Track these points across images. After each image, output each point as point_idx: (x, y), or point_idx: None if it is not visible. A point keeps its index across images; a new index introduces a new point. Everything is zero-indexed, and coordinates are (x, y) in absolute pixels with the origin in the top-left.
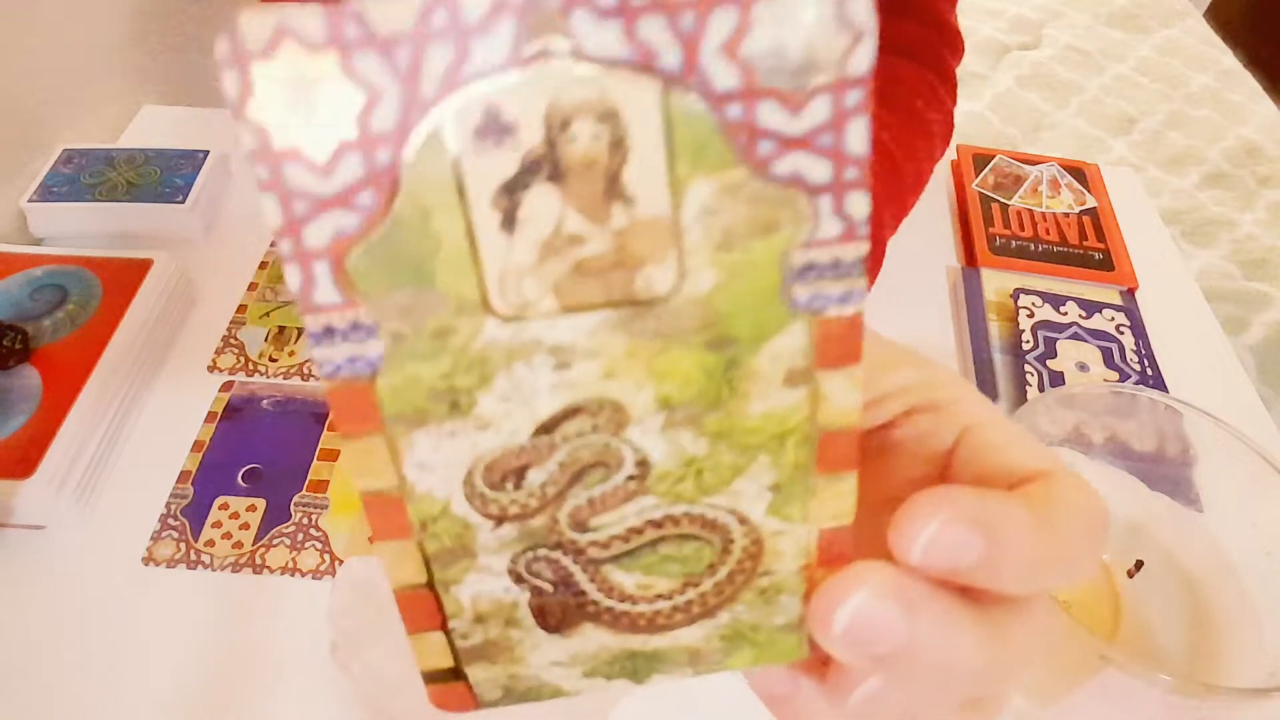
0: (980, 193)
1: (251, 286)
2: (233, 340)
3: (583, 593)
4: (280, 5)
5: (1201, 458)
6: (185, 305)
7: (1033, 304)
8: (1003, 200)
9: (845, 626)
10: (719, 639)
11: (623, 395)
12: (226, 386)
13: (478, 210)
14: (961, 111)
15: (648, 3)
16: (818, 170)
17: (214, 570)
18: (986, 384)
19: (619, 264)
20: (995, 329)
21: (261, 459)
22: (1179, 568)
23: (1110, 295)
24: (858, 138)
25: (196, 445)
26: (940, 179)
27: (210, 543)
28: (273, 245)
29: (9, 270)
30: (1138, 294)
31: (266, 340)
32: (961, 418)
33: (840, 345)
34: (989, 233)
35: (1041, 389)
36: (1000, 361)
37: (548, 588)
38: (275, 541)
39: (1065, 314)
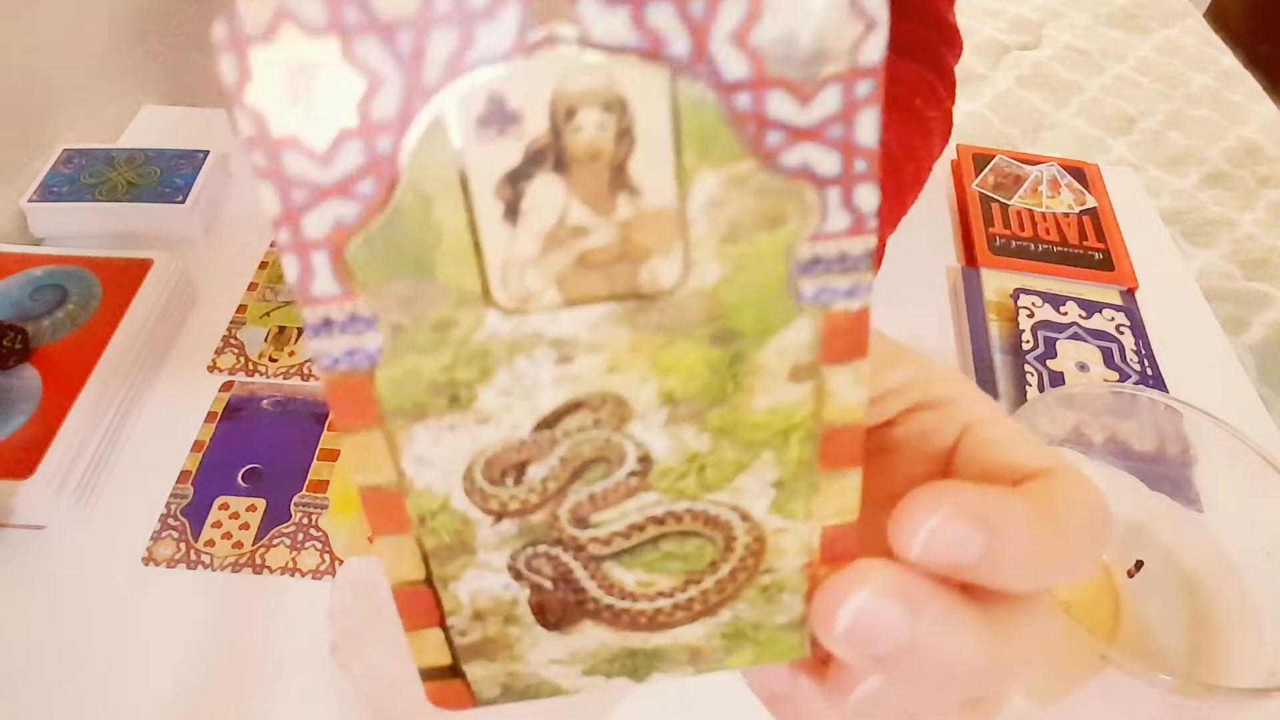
0: (980, 193)
1: (251, 286)
2: (233, 340)
3: (583, 590)
4: None
5: (1201, 458)
6: (185, 305)
7: (1033, 304)
8: (1003, 200)
9: (847, 625)
10: (720, 637)
11: (625, 390)
12: (226, 386)
13: (480, 200)
14: (961, 111)
15: None
16: (827, 162)
17: (214, 570)
18: (986, 384)
19: (623, 256)
20: (995, 329)
21: (261, 459)
22: (1179, 568)
23: (1110, 295)
24: (868, 129)
25: (196, 445)
26: (940, 179)
27: (210, 543)
28: (273, 245)
29: (9, 270)
30: (1138, 294)
31: (266, 340)
32: (963, 415)
33: (846, 340)
34: (989, 233)
35: (1041, 389)
36: (1000, 361)
37: (547, 585)
38: (275, 541)
39: (1065, 314)
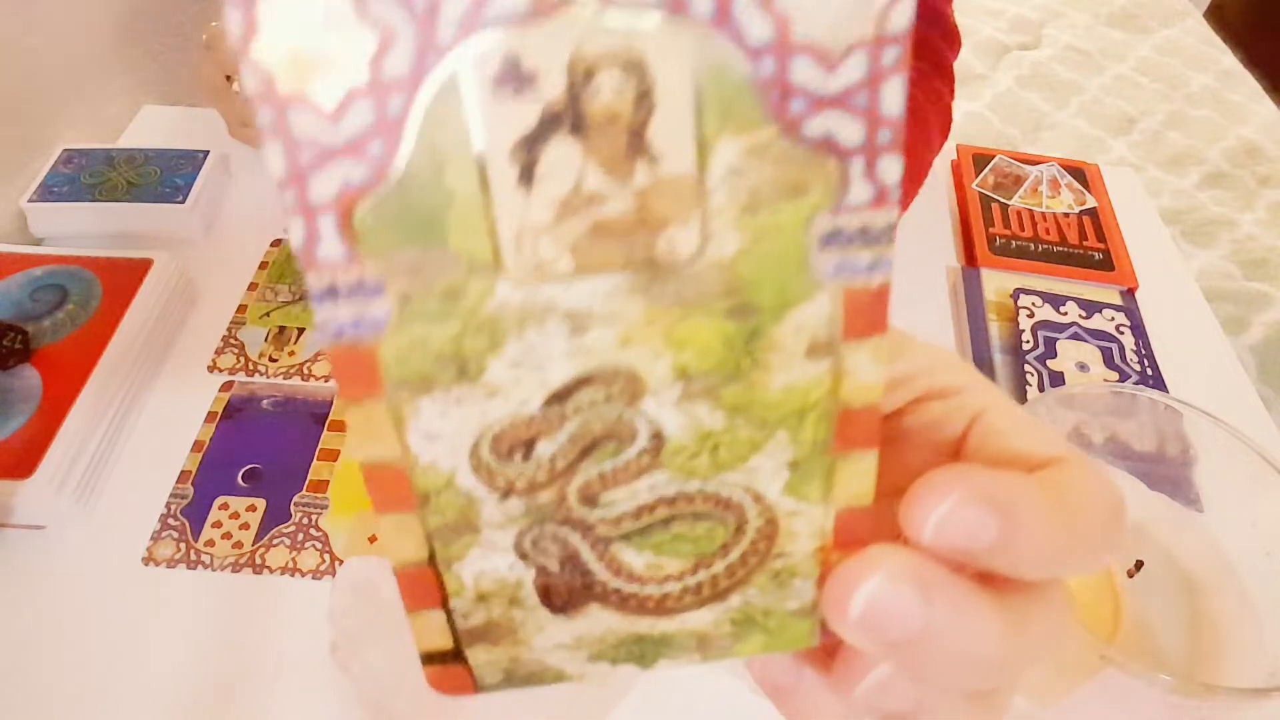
0: (980, 193)
1: (251, 286)
2: (233, 340)
3: (590, 572)
4: None
5: (1201, 458)
6: (185, 305)
7: (1033, 304)
8: (1003, 200)
9: (860, 611)
10: (729, 623)
11: (639, 364)
12: (226, 386)
13: (494, 165)
14: (961, 111)
15: None
16: (850, 131)
17: (214, 570)
18: None
19: (640, 225)
20: (995, 329)
21: (261, 459)
22: (1179, 568)
23: (1110, 295)
24: (893, 98)
25: (196, 445)
26: (940, 179)
27: (210, 543)
28: (273, 245)
29: (9, 270)
30: (1138, 294)
31: (266, 340)
32: (971, 404)
33: (866, 316)
34: (989, 233)
35: (1041, 389)
36: (1000, 361)
37: (554, 566)
38: (275, 541)
39: (1065, 314)
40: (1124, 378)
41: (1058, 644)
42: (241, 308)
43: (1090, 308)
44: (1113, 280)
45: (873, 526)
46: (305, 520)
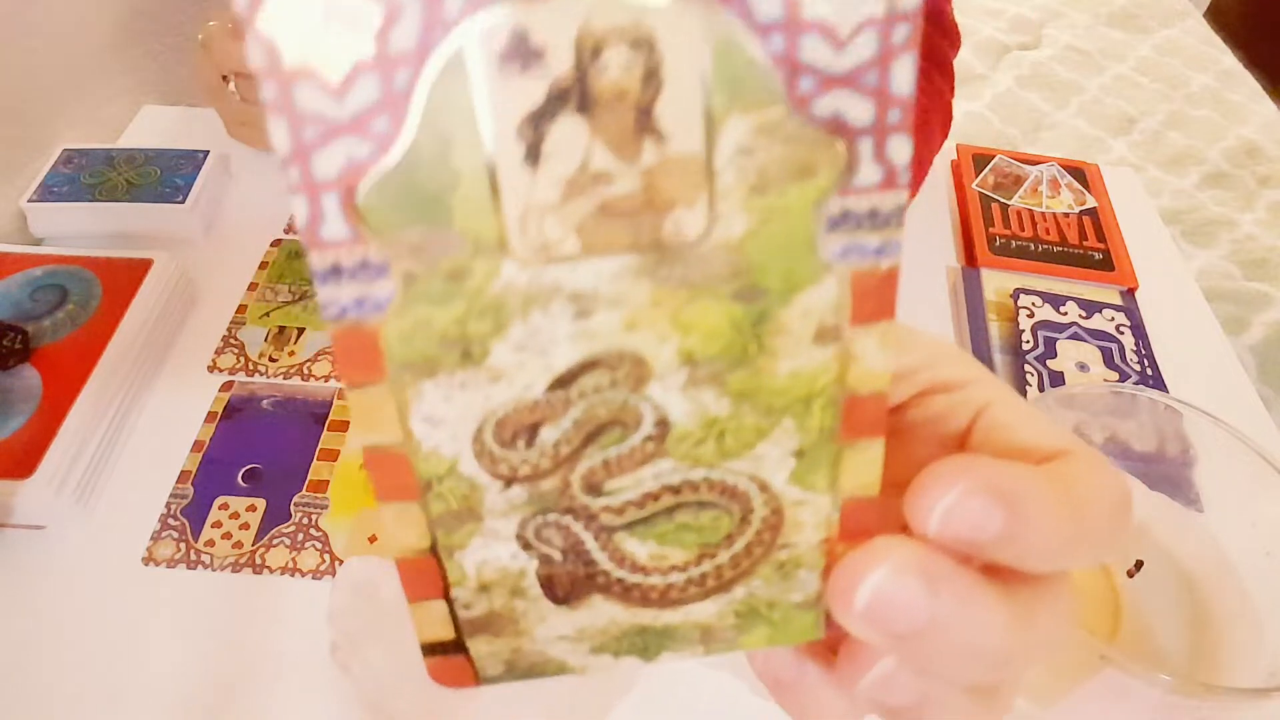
0: (980, 193)
1: (251, 286)
2: (233, 340)
3: (593, 562)
4: None
5: (1201, 458)
6: (185, 305)
7: (1033, 304)
8: (1003, 200)
9: (866, 603)
10: (733, 615)
11: (644, 348)
12: (226, 386)
13: (500, 142)
14: (961, 111)
15: None
16: (860, 110)
17: (214, 570)
18: None
19: (647, 205)
20: (995, 329)
21: (261, 459)
22: (1179, 568)
23: (1110, 295)
24: (903, 77)
25: (196, 445)
26: (940, 179)
27: (210, 543)
28: (273, 245)
29: (9, 270)
30: (1138, 294)
31: (266, 340)
32: (976, 398)
33: (874, 301)
34: (989, 233)
35: (1041, 389)
36: (1000, 361)
37: (557, 556)
38: (275, 541)
39: (1065, 314)
40: (1124, 378)
41: (1062, 639)
42: (241, 308)
43: (1090, 308)
44: (1113, 280)
45: (879, 517)
46: (305, 520)
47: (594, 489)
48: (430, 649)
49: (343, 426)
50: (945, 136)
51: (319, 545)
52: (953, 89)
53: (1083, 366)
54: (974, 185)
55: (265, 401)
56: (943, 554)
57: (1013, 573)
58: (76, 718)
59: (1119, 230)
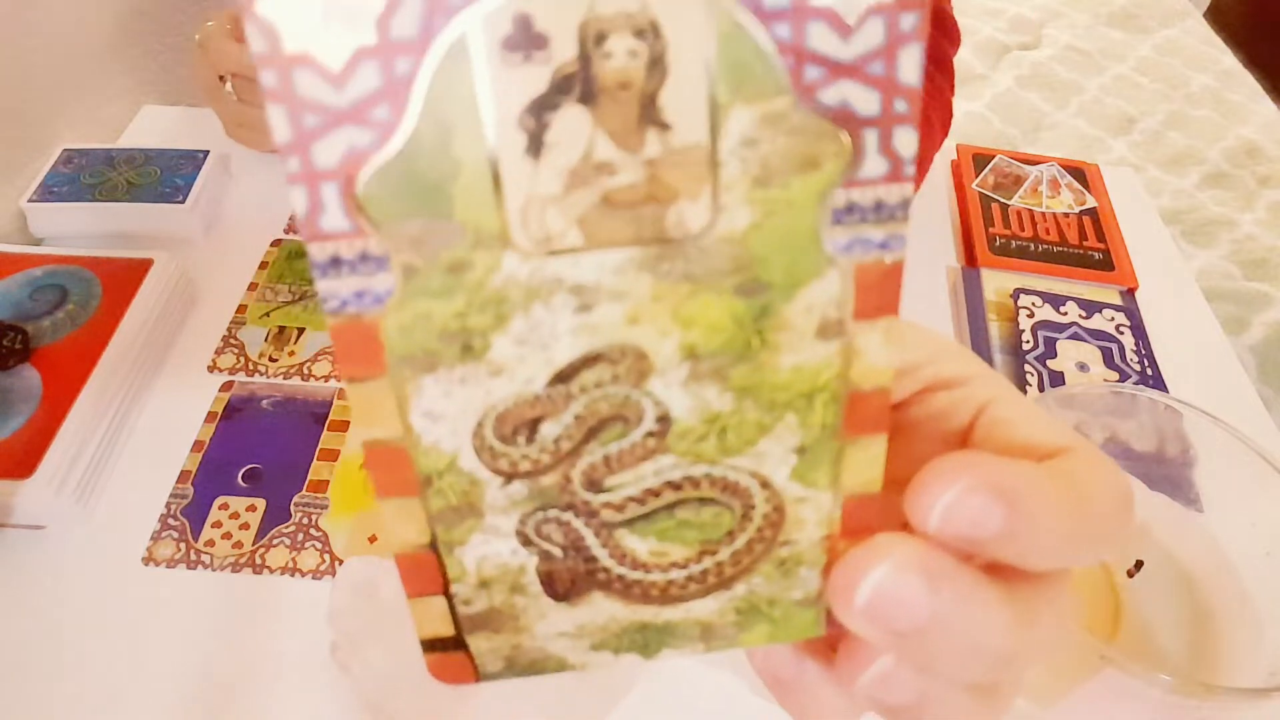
0: (980, 193)
1: (251, 286)
2: (233, 340)
3: (594, 558)
4: None
5: (1201, 458)
6: (185, 305)
7: (1033, 304)
8: (1003, 200)
9: (867, 600)
10: (734, 612)
11: (646, 342)
12: (226, 386)
13: (502, 132)
14: (961, 111)
15: None
16: (866, 101)
17: (214, 570)
18: None
19: (650, 197)
20: (995, 329)
21: (261, 459)
22: (1179, 568)
23: (1110, 295)
24: (910, 67)
25: (196, 445)
26: (940, 179)
27: (210, 543)
28: (273, 245)
29: (9, 270)
30: (1138, 294)
31: (266, 340)
32: (978, 394)
33: (878, 296)
34: (989, 233)
35: (1041, 389)
36: (1000, 361)
37: (557, 552)
38: (275, 541)
39: (1065, 314)
40: (1124, 378)
41: (1063, 637)
42: (241, 308)
43: (1090, 308)
44: (1113, 280)
45: (881, 515)
46: (305, 520)
47: (595, 485)
48: (430, 645)
49: (343, 426)
50: (945, 135)
51: (319, 545)
52: (953, 87)
53: (1083, 366)
54: (974, 185)
55: (265, 401)
56: (944, 552)
57: (1014, 571)
58: (76, 718)
59: (1119, 230)
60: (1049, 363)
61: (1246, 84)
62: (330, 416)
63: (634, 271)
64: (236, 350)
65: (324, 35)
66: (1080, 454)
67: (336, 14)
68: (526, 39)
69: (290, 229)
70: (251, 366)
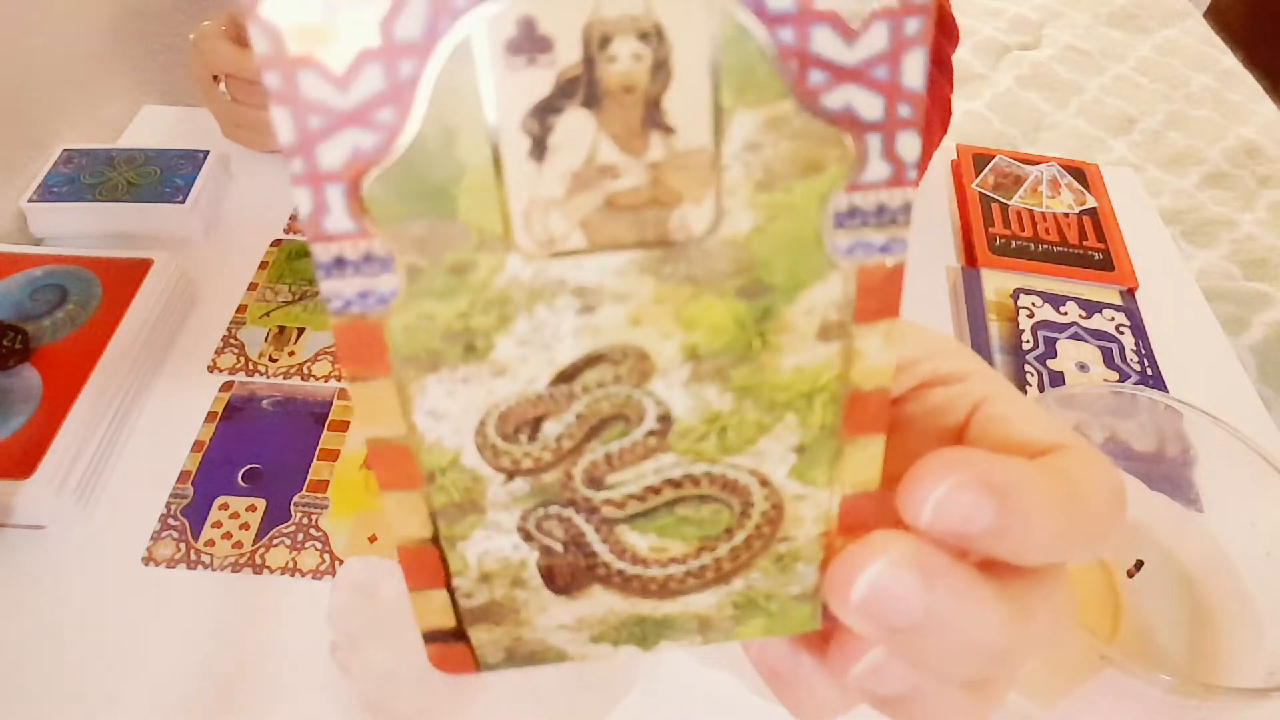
0: (980, 193)
1: (251, 286)
2: (233, 340)
3: (594, 554)
4: None
5: (1201, 458)
6: (185, 305)
7: (1033, 304)
8: (1003, 200)
9: (862, 596)
10: (731, 607)
11: (648, 343)
12: (226, 386)
13: (506, 134)
14: (961, 111)
15: None
16: (870, 105)
17: (214, 570)
18: None
19: (653, 200)
20: (995, 329)
21: (261, 459)
22: (1179, 568)
23: (1110, 295)
24: (914, 72)
25: (196, 445)
26: (940, 179)
27: (210, 543)
28: (273, 245)
29: (9, 270)
30: (1138, 294)
31: (266, 340)
32: (974, 391)
33: (879, 298)
34: (989, 233)
35: (1041, 389)
36: (1000, 361)
37: (558, 547)
38: (275, 541)
39: (1065, 314)
40: (1124, 378)
41: (1057, 635)
42: (241, 308)
43: (1090, 308)
44: (1113, 280)
45: (878, 513)
46: (305, 520)
47: (596, 482)
48: (431, 637)
49: (343, 426)
50: (944, 133)
51: (319, 545)
52: (952, 85)
53: (1083, 366)
54: (974, 185)
55: (265, 401)
56: (940, 549)
57: (1008, 567)
58: (76, 718)
59: (1119, 230)
60: (1049, 363)
61: (1246, 84)
62: (330, 416)
63: (637, 274)
64: (236, 350)
65: (328, 38)
66: (1073, 451)
67: (340, 16)
68: (531, 42)
69: (290, 229)
70: (251, 366)
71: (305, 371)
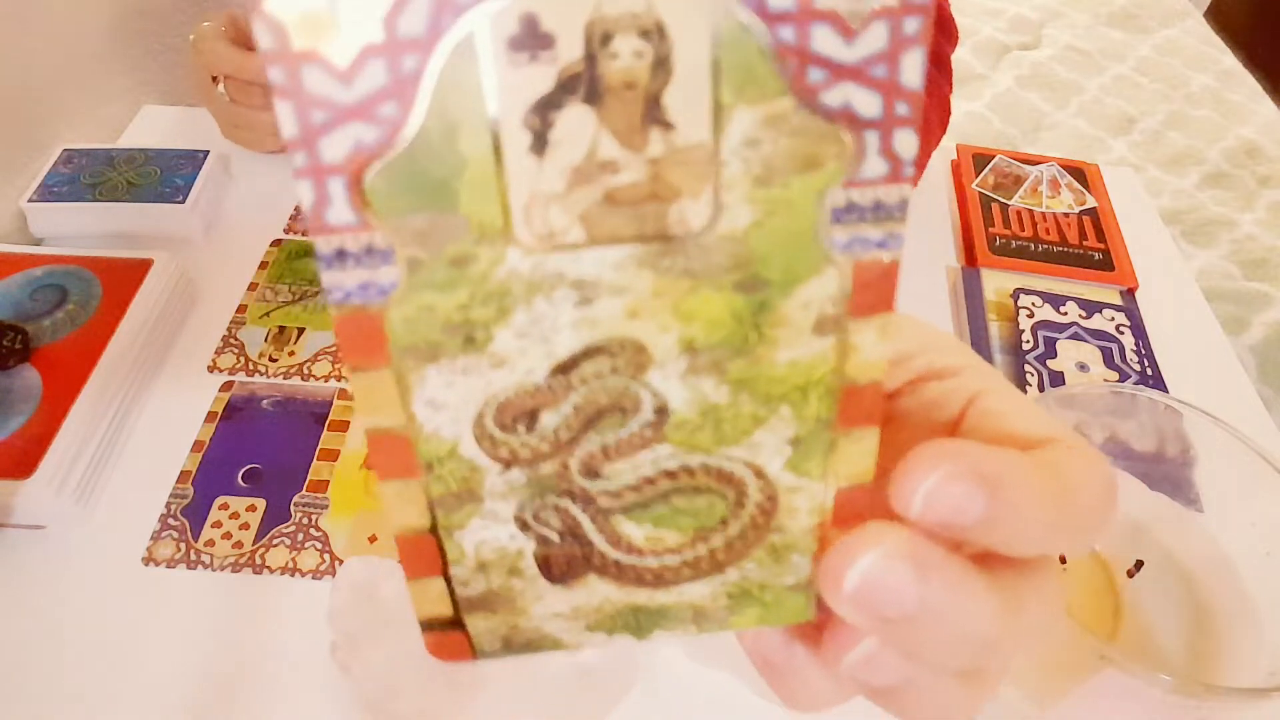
0: (980, 193)
1: (251, 286)
2: (233, 340)
3: (590, 543)
4: None
5: (1201, 458)
6: (185, 305)
7: (1033, 304)
8: (1003, 200)
9: (856, 586)
10: (725, 597)
11: (646, 336)
12: (226, 386)
13: (507, 129)
14: (961, 111)
15: None
16: (868, 103)
17: (214, 570)
18: None
19: (652, 195)
20: (995, 329)
21: (261, 459)
22: (1179, 568)
23: (1110, 295)
24: (913, 70)
25: (196, 445)
26: (940, 179)
27: (210, 543)
28: (273, 245)
29: (9, 270)
30: (1138, 294)
31: (266, 340)
32: (969, 386)
33: (875, 293)
34: (989, 233)
35: (1041, 389)
36: (1000, 361)
37: (554, 537)
38: (275, 541)
39: (1065, 314)
40: (1124, 378)
41: (1049, 626)
42: (241, 308)
43: (1090, 308)
44: (1113, 280)
45: (872, 504)
46: (305, 520)
47: (592, 473)
48: (428, 625)
49: (343, 426)
50: (943, 133)
51: (319, 545)
52: (950, 84)
53: (1083, 366)
54: (974, 185)
55: (265, 401)
56: (934, 541)
57: (1000, 559)
58: (76, 718)
59: (1119, 230)
60: (1049, 363)
61: (1246, 84)
62: (330, 416)
63: (635, 267)
64: (236, 350)
65: (332, 33)
66: (1064, 443)
67: (344, 12)
68: (533, 39)
69: (290, 229)
70: (251, 366)
71: (305, 371)
